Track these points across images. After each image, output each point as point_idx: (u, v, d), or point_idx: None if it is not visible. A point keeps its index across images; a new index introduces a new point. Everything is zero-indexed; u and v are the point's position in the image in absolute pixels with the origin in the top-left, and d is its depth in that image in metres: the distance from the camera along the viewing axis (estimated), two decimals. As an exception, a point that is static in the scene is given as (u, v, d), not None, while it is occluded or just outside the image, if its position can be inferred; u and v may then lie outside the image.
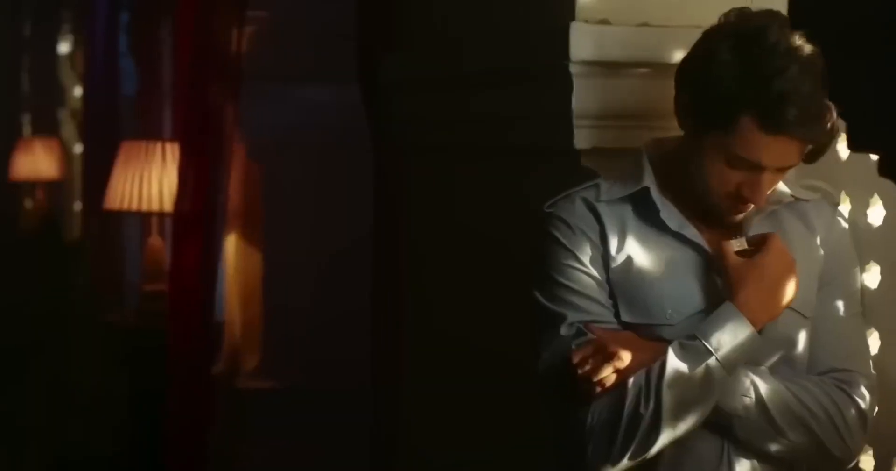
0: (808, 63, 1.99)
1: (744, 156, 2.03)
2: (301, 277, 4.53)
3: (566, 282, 2.13)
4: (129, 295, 5.65)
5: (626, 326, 2.13)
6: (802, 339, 2.18)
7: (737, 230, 2.16)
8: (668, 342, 2.06)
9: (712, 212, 2.14)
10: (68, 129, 9.29)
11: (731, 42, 2.03)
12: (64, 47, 9.40)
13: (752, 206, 2.11)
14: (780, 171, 2.08)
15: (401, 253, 3.37)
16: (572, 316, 2.11)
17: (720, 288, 2.12)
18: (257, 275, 4.67)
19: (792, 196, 2.21)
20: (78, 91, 8.49)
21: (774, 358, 2.15)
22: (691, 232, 2.16)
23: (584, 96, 2.37)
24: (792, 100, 1.97)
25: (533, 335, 2.16)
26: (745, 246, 2.11)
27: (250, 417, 4.57)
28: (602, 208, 2.16)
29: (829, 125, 2.04)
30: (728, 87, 2.00)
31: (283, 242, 4.55)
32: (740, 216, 2.14)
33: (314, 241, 4.48)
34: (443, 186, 3.06)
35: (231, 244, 4.72)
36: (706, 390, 2.04)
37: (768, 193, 2.10)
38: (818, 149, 2.10)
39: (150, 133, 5.49)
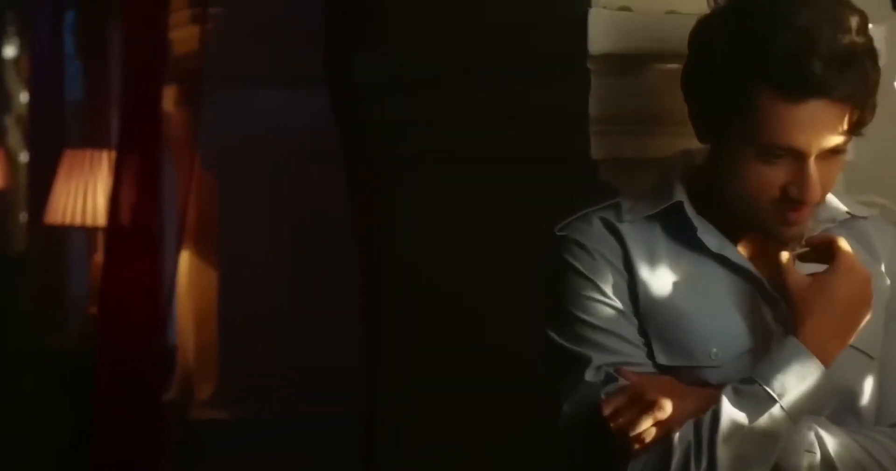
0: (825, 8, 1.75)
1: (774, 142, 1.75)
2: (261, 296, 4.29)
3: (588, 317, 1.83)
4: (74, 316, 5.37)
5: (662, 369, 1.83)
6: (869, 384, 1.88)
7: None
8: (716, 387, 1.77)
9: (761, 228, 1.84)
10: (13, 136, 9.25)
11: (722, 15, 1.81)
12: (9, 51, 9.23)
13: (807, 210, 1.80)
14: (828, 157, 1.78)
15: (377, 271, 3.12)
16: (598, 358, 1.81)
17: (773, 318, 1.83)
18: (212, 294, 4.42)
19: (847, 213, 1.92)
20: (24, 97, 8.31)
21: (833, 407, 1.85)
22: (734, 253, 1.87)
23: (602, 96, 2.08)
24: (810, 50, 1.72)
25: (549, 382, 1.87)
26: (805, 249, 1.83)
27: (205, 450, 4.32)
28: (625, 229, 1.87)
29: (868, 75, 1.76)
30: (729, 61, 1.77)
31: (241, 259, 4.31)
32: (796, 228, 1.82)
33: (275, 258, 4.26)
34: (429, 199, 2.77)
35: (183, 262, 4.46)
36: (768, 444, 1.75)
37: (821, 196, 1.80)
38: (864, 114, 1.79)
39: (97, 141, 5.20)
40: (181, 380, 4.58)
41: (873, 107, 1.81)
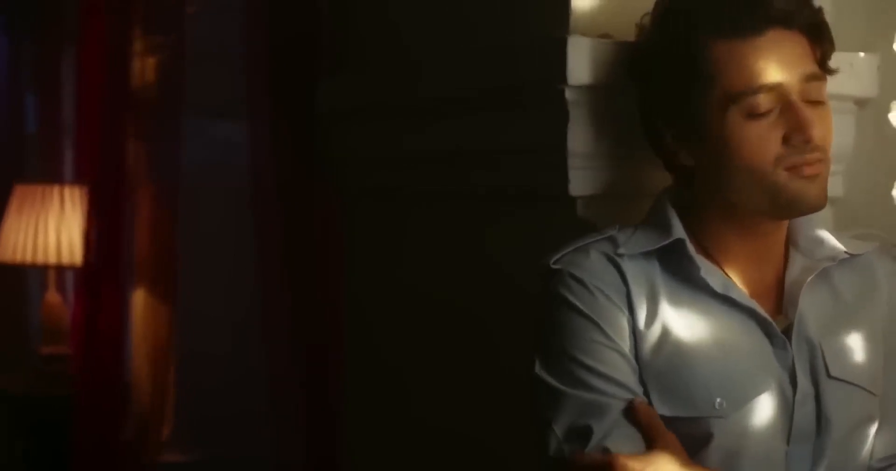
0: None
1: (750, 85, 1.71)
2: (218, 335, 4.26)
3: (591, 362, 1.71)
4: (26, 357, 5.23)
5: (662, 420, 1.70)
6: (874, 427, 1.79)
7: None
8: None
9: (784, 202, 1.73)
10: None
11: (654, 15, 1.83)
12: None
13: (819, 162, 1.72)
14: (812, 108, 1.72)
15: (337, 311, 3.03)
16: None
17: (778, 361, 1.75)
18: (168, 333, 4.30)
19: (846, 252, 1.84)
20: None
21: (839, 451, 1.75)
22: (739, 293, 1.77)
23: (581, 129, 1.95)
24: None
25: (537, 422, 1.73)
26: None
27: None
28: (626, 264, 1.76)
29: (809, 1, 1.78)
30: (676, 37, 1.75)
31: (198, 297, 4.22)
32: (818, 188, 1.73)
33: (233, 297, 4.16)
34: (394, 237, 2.64)
35: (139, 299, 4.34)
36: None
37: (824, 143, 1.73)
38: (824, 46, 1.78)
39: (49, 176, 5.07)
40: (136, 421, 4.40)
41: (831, 41, 1.79)
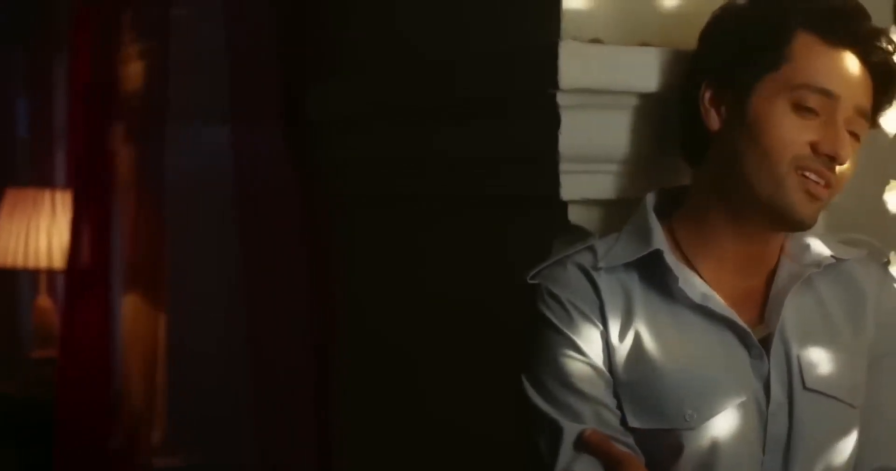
0: None
1: (810, 83, 1.73)
2: (209, 339, 4.13)
3: (564, 377, 1.73)
4: (17, 361, 5.22)
5: (633, 432, 1.73)
6: (851, 438, 1.77)
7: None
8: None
9: (779, 210, 1.74)
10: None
11: None
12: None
13: (830, 188, 1.74)
14: (853, 127, 1.75)
15: (333, 319, 3.02)
16: (572, 428, 1.71)
17: (754, 372, 1.74)
18: (159, 335, 4.30)
19: (832, 257, 1.83)
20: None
21: (813, 466, 1.74)
22: (717, 303, 1.76)
23: (573, 133, 1.94)
24: (857, 10, 1.78)
25: (530, 440, 1.76)
26: None
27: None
28: (601, 278, 1.76)
29: (892, 62, 1.79)
30: (770, 11, 1.78)
31: (190, 302, 4.18)
32: (814, 210, 1.75)
33: (225, 302, 4.09)
34: (390, 241, 2.64)
35: (130, 304, 4.34)
36: None
37: (842, 175, 1.75)
38: (884, 98, 1.80)
39: (40, 180, 5.07)
40: (128, 426, 4.41)
41: (891, 100, 1.81)
